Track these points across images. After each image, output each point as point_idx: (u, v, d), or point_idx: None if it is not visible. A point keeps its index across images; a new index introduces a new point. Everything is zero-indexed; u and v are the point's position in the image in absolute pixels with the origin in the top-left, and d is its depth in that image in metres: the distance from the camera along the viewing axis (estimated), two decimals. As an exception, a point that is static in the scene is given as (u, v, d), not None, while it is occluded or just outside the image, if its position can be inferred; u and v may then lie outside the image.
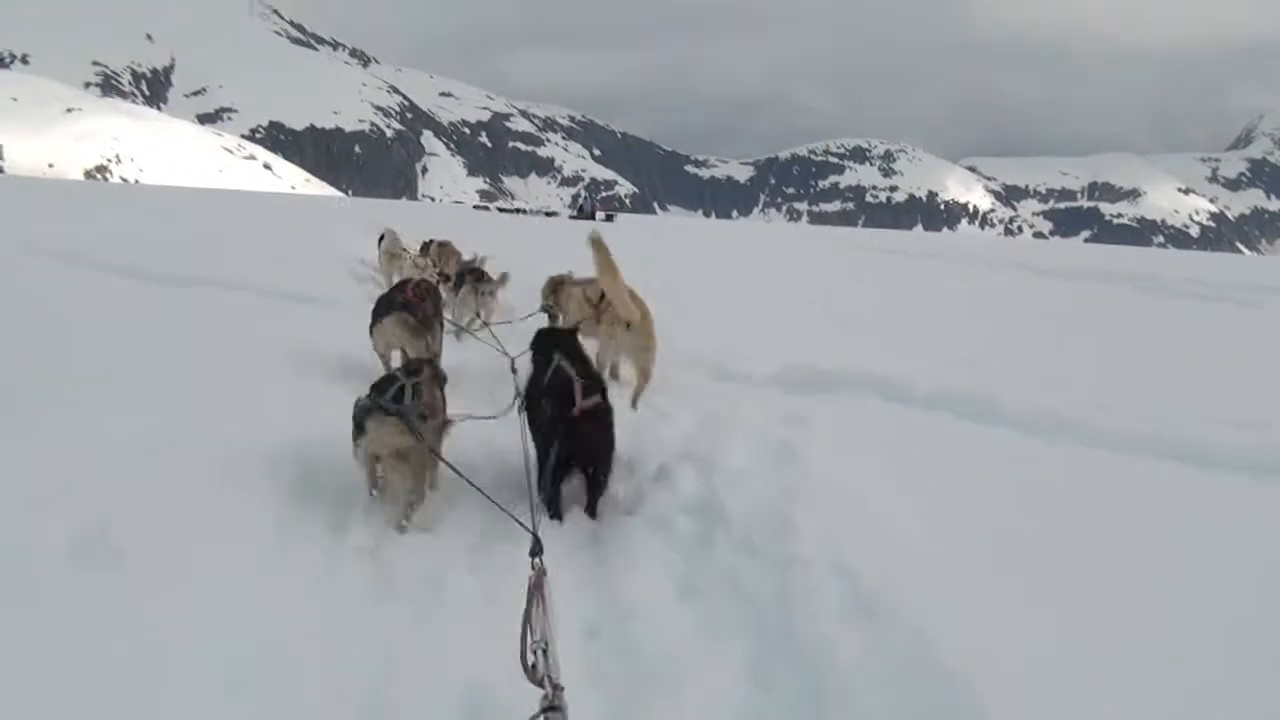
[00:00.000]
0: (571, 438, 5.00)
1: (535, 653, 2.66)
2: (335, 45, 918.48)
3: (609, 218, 72.37)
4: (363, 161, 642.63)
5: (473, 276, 10.38)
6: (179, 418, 5.32)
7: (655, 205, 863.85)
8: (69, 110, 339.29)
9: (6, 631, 3.15)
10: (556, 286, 9.09)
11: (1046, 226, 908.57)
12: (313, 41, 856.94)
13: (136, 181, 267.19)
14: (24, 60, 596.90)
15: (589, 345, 6.83)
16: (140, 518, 3.97)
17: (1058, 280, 23.31)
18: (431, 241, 15.23)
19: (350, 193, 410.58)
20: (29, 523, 3.77)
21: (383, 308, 7.41)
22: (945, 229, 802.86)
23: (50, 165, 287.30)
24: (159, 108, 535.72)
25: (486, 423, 5.65)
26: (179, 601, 3.55)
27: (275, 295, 10.62)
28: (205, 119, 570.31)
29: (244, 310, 9.43)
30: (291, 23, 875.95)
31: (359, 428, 4.60)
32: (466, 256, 13.41)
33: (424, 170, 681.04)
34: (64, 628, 3.23)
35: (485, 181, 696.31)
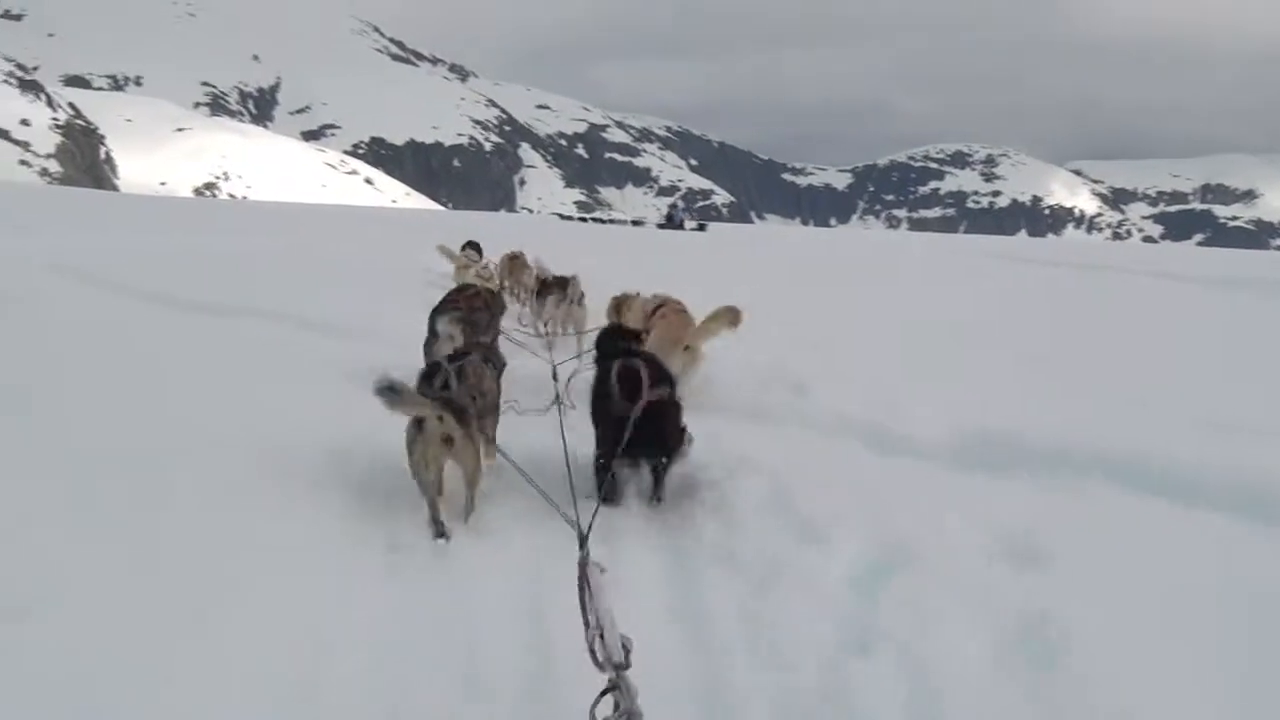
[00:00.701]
0: (638, 428, 5.05)
1: (594, 638, 2.77)
2: (434, 61, 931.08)
3: (701, 227, 69.38)
4: (462, 175, 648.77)
5: (559, 286, 10.65)
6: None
7: (752, 214, 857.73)
8: (179, 129, 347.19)
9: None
10: (620, 304, 9.20)
11: (1157, 230, 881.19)
12: (412, 58, 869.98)
13: (244, 198, 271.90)
14: (137, 82, 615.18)
15: None
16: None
17: (1220, 290, 21.23)
18: (506, 255, 15.66)
19: (450, 206, 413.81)
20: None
21: (437, 314, 7.43)
22: (1050, 234, 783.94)
23: (162, 183, 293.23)
24: (265, 125, 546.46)
25: (523, 424, 5.94)
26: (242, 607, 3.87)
27: (314, 326, 10.40)
28: (309, 136, 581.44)
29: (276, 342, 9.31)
30: (392, 40, 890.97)
31: (415, 423, 4.61)
32: (552, 270, 13.19)
33: (522, 183, 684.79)
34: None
35: (582, 193, 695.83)
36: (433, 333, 7.33)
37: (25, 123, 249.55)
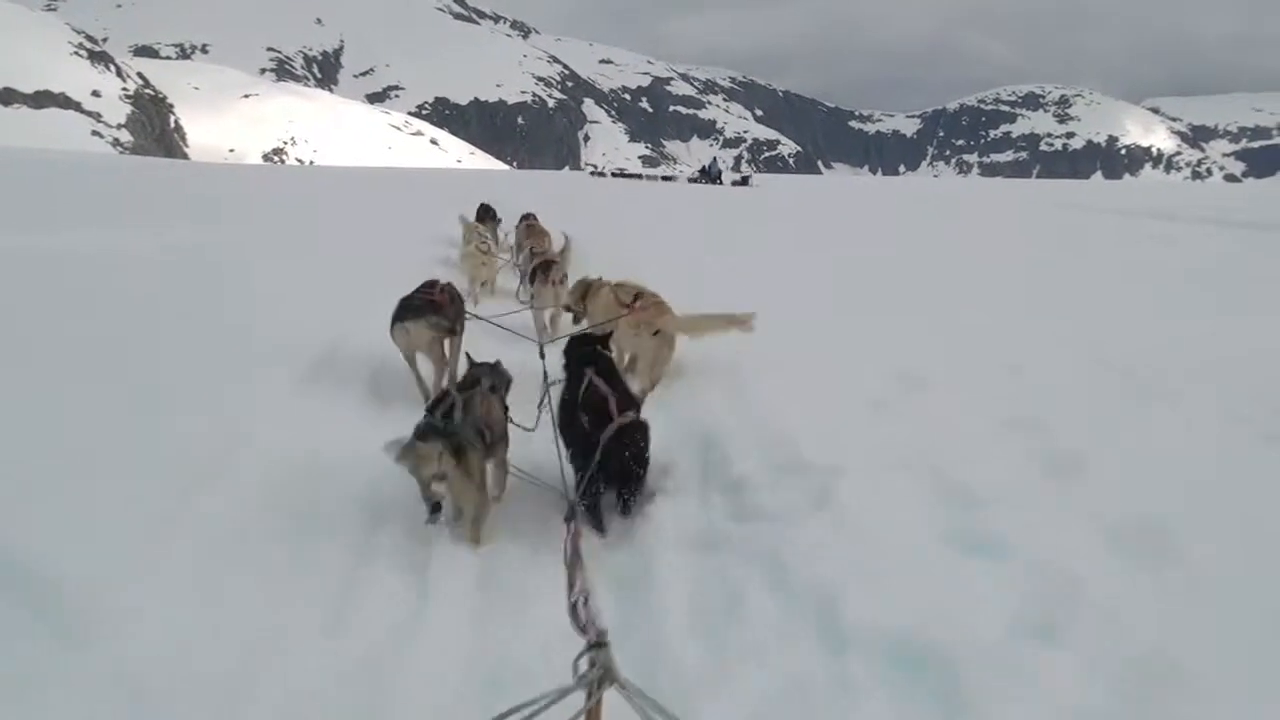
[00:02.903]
0: (606, 454, 5.02)
1: (578, 601, 2.89)
2: (496, 19, 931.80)
3: (744, 180, 64.22)
4: (526, 132, 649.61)
5: (543, 268, 10.22)
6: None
7: (819, 163, 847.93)
8: (246, 96, 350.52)
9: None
10: (586, 289, 8.63)
11: (1239, 168, 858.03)
12: (474, 16, 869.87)
13: (310, 162, 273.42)
14: (204, 50, 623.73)
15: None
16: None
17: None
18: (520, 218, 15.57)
19: (514, 164, 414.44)
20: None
21: (405, 309, 7.21)
22: (1127, 175, 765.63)
23: (230, 150, 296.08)
24: (330, 89, 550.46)
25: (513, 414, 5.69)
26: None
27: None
28: (374, 98, 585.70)
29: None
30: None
31: (409, 447, 4.60)
32: (557, 236, 13.49)
33: (586, 139, 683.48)
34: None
35: (647, 147, 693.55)
36: (394, 328, 7.11)
37: (96, 94, 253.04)
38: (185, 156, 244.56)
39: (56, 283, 10.67)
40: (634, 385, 6.86)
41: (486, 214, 16.60)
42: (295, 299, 10.32)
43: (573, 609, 2.86)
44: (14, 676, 3.38)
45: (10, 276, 10.98)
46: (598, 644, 2.58)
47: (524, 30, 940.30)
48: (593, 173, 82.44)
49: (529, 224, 14.88)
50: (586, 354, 5.88)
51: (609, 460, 5.03)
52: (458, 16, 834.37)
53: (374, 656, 3.75)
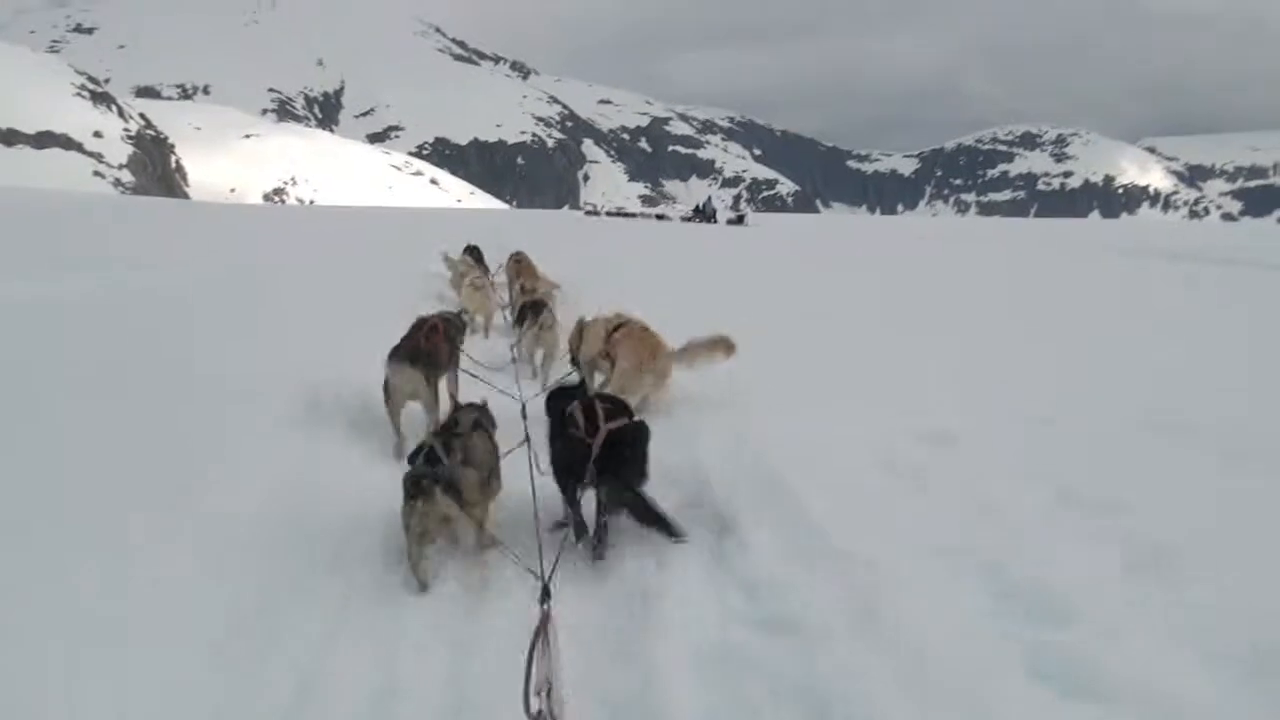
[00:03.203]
0: (603, 457, 5.01)
1: (539, 695, 2.70)
2: (496, 60, 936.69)
3: (739, 219, 63.67)
4: (526, 172, 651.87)
5: (532, 311, 10.09)
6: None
7: (818, 203, 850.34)
8: (247, 136, 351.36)
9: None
10: (582, 329, 8.66)
11: (1236, 207, 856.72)
12: (474, 57, 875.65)
13: (311, 202, 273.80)
14: (205, 91, 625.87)
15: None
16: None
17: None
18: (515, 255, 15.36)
19: (514, 203, 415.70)
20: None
21: (395, 356, 7.11)
22: (1124, 214, 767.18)
23: (231, 190, 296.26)
24: (331, 129, 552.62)
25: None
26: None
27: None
28: (374, 138, 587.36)
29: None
30: (453, 40, 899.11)
31: (407, 496, 4.63)
32: (552, 278, 13.52)
33: (585, 178, 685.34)
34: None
35: (646, 186, 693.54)
36: (388, 377, 7.02)
37: (98, 134, 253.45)
38: (186, 196, 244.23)
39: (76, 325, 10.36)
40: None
41: (474, 257, 16.41)
42: (281, 336, 10.08)
43: (526, 699, 2.66)
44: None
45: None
46: None
47: (524, 71, 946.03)
48: (588, 212, 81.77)
49: (517, 260, 14.89)
50: (568, 395, 5.85)
51: (607, 463, 4.98)
52: (458, 58, 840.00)
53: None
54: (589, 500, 5.20)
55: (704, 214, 62.28)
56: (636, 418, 5.53)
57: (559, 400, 5.81)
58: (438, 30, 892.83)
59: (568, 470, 5.19)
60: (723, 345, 7.65)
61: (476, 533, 4.87)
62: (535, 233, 30.93)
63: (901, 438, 6.45)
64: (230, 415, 6.74)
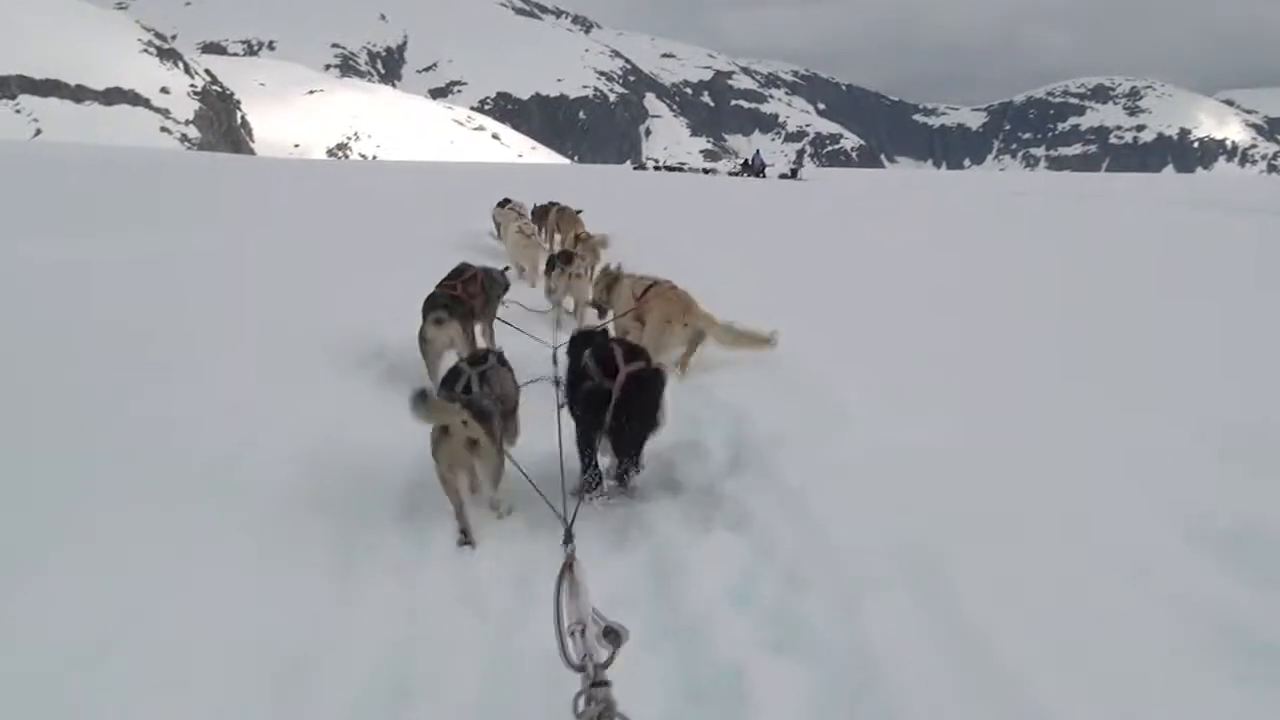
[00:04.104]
0: (619, 404, 4.94)
1: (572, 634, 2.69)
2: (558, 13, 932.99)
3: (793, 173, 63.38)
4: (588, 126, 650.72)
5: (562, 259, 10.16)
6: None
7: (883, 157, 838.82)
8: (311, 92, 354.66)
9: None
10: (611, 282, 8.61)
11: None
12: (536, 11, 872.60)
13: (374, 157, 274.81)
14: (270, 47, 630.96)
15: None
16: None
17: None
18: (550, 205, 15.86)
19: (576, 158, 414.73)
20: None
21: (431, 307, 7.17)
22: (1199, 169, 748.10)
23: (296, 145, 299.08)
24: (393, 85, 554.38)
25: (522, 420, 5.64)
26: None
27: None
28: (436, 93, 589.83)
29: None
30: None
31: (440, 429, 4.64)
32: (594, 233, 13.35)
33: (648, 133, 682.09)
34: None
35: (709, 141, 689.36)
36: (425, 325, 7.09)
37: (165, 90, 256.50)
38: (251, 152, 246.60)
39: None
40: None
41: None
42: (331, 291, 10.12)
43: (562, 645, 2.65)
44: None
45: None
46: (598, 682, 2.43)
47: (586, 25, 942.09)
48: (636, 167, 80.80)
49: (559, 209, 15.37)
50: (587, 340, 5.68)
51: (622, 410, 4.92)
52: (519, 12, 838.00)
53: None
54: (606, 452, 5.16)
55: (752, 168, 61.78)
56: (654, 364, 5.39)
57: (580, 345, 5.64)
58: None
59: (586, 415, 5.14)
60: (758, 340, 7.41)
61: (497, 468, 4.81)
62: (579, 187, 29.87)
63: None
64: (280, 365, 6.97)
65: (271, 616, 3.71)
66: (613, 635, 2.61)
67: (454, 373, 5.13)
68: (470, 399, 4.72)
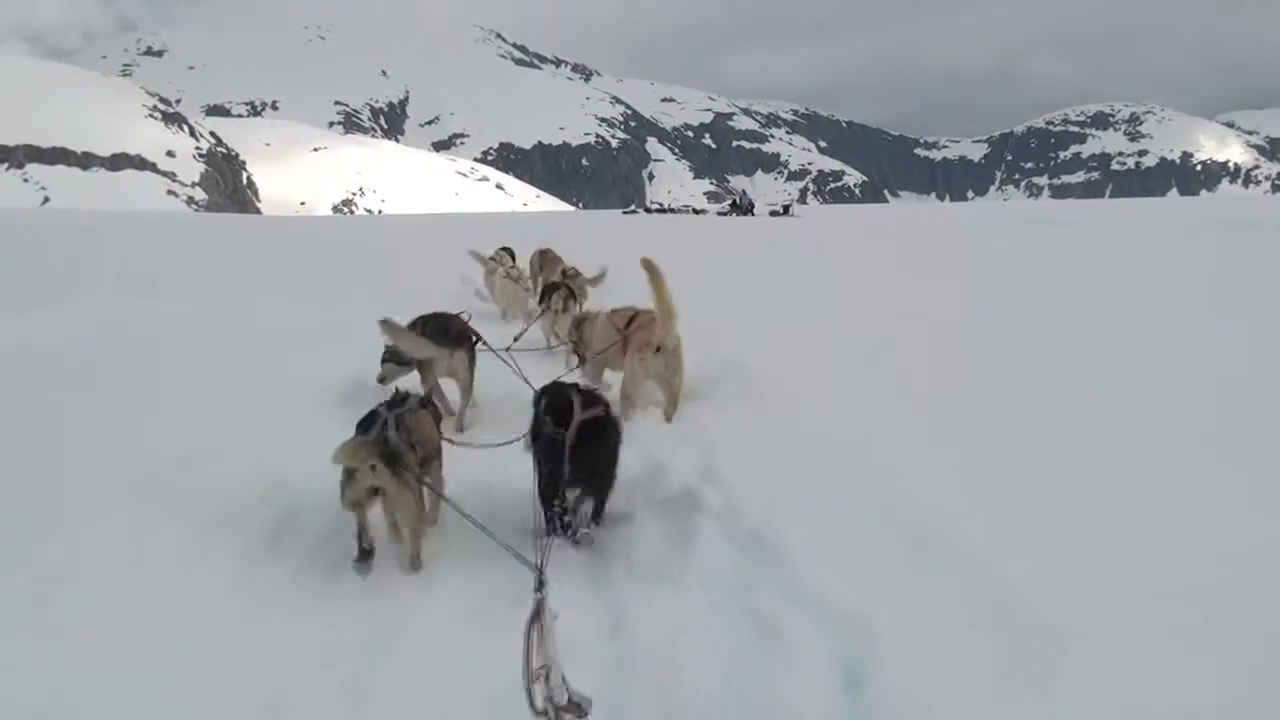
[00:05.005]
0: (572, 450, 4.92)
1: (538, 679, 2.67)
2: (557, 63, 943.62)
3: (785, 210, 65.42)
4: (591, 173, 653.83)
5: (551, 295, 10.49)
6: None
7: (886, 192, 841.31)
8: (315, 149, 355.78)
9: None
10: (580, 322, 8.69)
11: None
12: (535, 61, 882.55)
13: (379, 211, 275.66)
14: (274, 106, 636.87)
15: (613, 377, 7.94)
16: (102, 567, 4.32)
17: None
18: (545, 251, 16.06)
19: (580, 205, 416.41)
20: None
21: (445, 337, 7.34)
22: (1204, 191, 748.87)
23: (302, 203, 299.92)
24: (397, 139, 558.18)
25: (501, 455, 5.68)
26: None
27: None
28: (439, 146, 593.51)
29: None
30: (515, 45, 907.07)
31: (344, 446, 4.61)
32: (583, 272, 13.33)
33: (650, 177, 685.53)
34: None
35: (711, 182, 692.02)
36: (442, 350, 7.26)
37: (171, 154, 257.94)
38: (258, 211, 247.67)
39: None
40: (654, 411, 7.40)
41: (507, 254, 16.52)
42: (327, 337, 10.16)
43: (529, 691, 2.64)
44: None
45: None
46: None
47: (585, 73, 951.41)
48: (626, 212, 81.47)
49: (544, 254, 15.73)
50: (546, 391, 5.64)
51: (576, 457, 4.88)
52: (519, 62, 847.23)
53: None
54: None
55: (740, 208, 63.85)
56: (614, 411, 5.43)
57: (540, 396, 5.64)
58: (498, 36, 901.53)
59: (544, 465, 5.06)
60: (656, 281, 7.30)
61: (414, 516, 4.74)
62: (568, 232, 30.62)
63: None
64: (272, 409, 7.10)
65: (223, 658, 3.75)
66: (576, 708, 2.57)
67: (371, 416, 5.02)
68: (379, 442, 4.64)
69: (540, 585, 3.49)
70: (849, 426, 6.16)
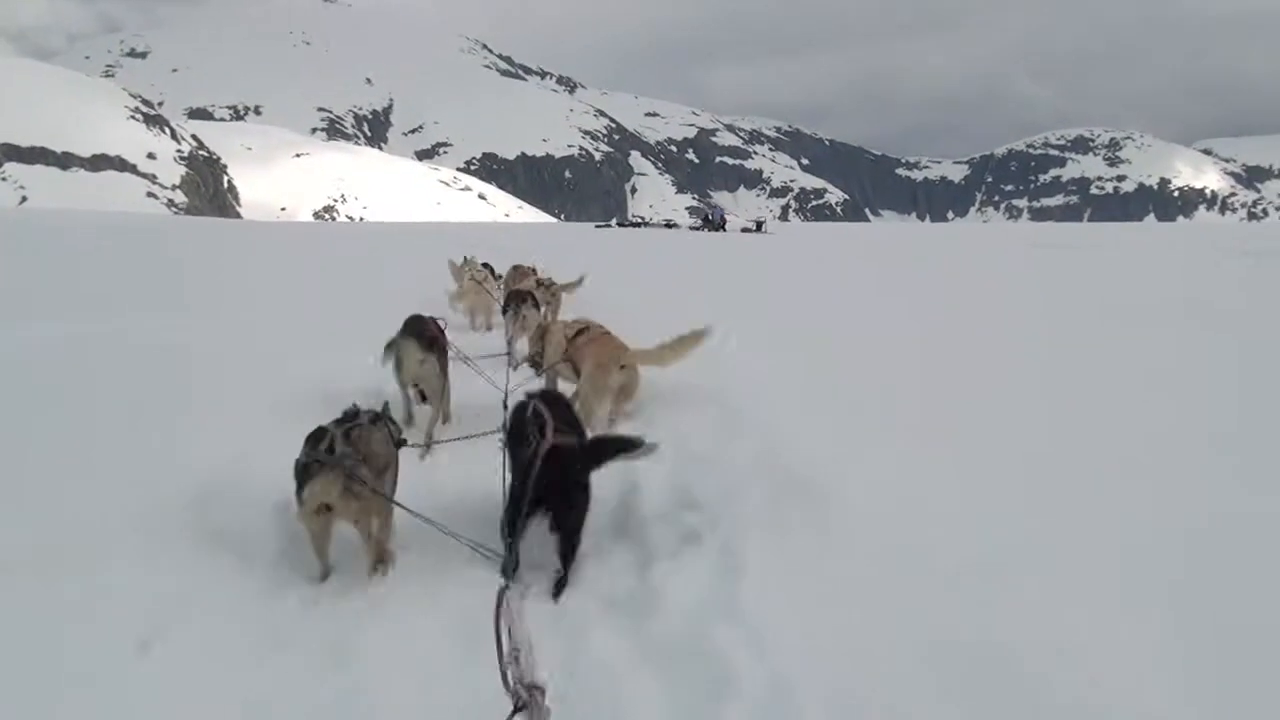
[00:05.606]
0: (540, 474, 4.73)
1: (511, 660, 2.74)
2: (542, 74, 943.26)
3: (757, 226, 67.91)
4: (573, 185, 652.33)
5: (516, 300, 10.64)
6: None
7: (867, 211, 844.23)
8: (297, 155, 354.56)
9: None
10: (544, 333, 8.81)
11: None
12: (520, 72, 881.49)
13: (360, 219, 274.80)
14: (257, 111, 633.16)
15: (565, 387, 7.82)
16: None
17: None
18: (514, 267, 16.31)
19: (562, 217, 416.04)
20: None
21: (415, 341, 7.40)
22: (1180, 217, 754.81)
23: (283, 208, 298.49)
24: (380, 147, 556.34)
25: (472, 461, 5.94)
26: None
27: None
28: (423, 155, 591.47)
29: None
30: (500, 56, 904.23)
31: (299, 485, 4.63)
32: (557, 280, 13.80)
33: (633, 190, 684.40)
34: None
35: (694, 197, 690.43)
36: (401, 355, 7.39)
37: (152, 156, 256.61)
38: (238, 215, 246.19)
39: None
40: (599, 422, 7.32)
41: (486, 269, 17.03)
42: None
43: (503, 673, 2.71)
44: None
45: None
46: (518, 707, 2.50)
47: (570, 85, 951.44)
48: (598, 226, 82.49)
49: (516, 267, 16.04)
50: (523, 406, 5.56)
51: (541, 482, 4.69)
52: (504, 73, 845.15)
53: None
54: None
55: (711, 223, 66.14)
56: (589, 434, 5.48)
57: (518, 410, 5.60)
58: (484, 47, 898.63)
59: (513, 484, 4.94)
60: (693, 339, 7.62)
61: (368, 531, 4.79)
62: (542, 244, 32.91)
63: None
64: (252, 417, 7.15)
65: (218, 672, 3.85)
66: (535, 690, 2.61)
67: (319, 432, 4.97)
68: (330, 458, 4.63)
69: (505, 573, 3.54)
70: (824, 444, 6.18)
